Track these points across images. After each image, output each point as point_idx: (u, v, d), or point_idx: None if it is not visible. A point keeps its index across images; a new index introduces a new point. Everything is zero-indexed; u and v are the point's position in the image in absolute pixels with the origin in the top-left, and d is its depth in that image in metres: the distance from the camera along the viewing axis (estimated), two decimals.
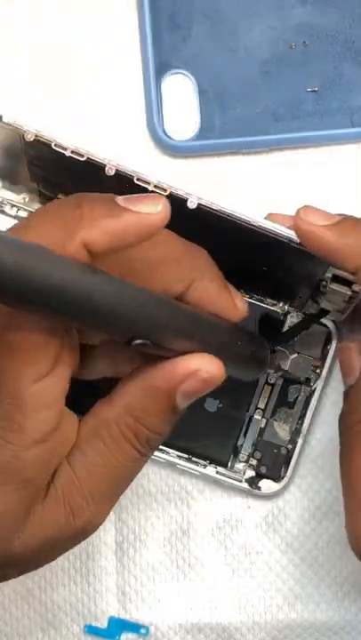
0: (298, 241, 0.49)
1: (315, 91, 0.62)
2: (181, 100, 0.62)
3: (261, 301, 0.59)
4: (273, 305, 0.59)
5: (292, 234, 0.49)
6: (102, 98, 0.62)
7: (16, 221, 0.58)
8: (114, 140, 0.62)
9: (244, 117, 0.62)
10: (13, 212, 0.59)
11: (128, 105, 0.62)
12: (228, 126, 0.62)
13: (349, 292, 0.52)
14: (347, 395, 0.52)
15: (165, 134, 0.61)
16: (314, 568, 0.60)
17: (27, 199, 0.59)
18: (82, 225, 0.39)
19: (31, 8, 0.63)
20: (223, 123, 0.62)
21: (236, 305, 0.46)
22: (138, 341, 0.39)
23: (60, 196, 0.56)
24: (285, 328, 0.59)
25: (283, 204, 0.60)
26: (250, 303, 0.59)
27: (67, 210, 0.40)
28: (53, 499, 0.42)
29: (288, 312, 0.59)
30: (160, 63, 0.62)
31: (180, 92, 0.62)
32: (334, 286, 0.52)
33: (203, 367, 0.42)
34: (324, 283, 0.52)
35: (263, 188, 0.62)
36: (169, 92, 0.62)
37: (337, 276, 0.51)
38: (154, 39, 0.61)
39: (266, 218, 0.51)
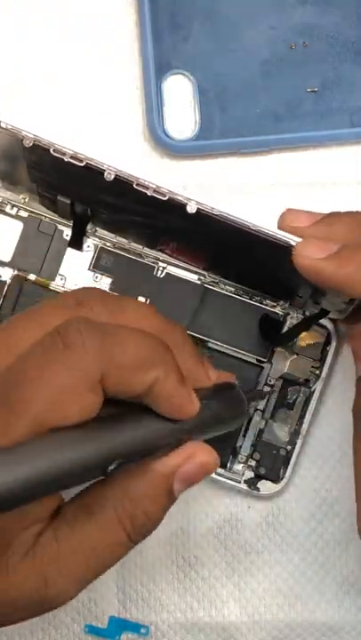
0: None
1: (315, 91, 0.62)
2: (181, 100, 0.62)
3: (261, 302, 0.59)
4: (273, 306, 0.59)
5: (291, 238, 0.49)
6: (102, 98, 0.62)
7: (16, 221, 0.59)
8: (114, 140, 0.62)
9: (244, 117, 0.62)
10: (14, 211, 0.59)
11: (128, 105, 0.62)
12: (228, 126, 0.62)
13: None
14: (358, 383, 0.53)
15: (165, 134, 0.61)
16: (314, 568, 0.60)
17: (27, 199, 0.59)
18: None
19: (31, 8, 0.63)
20: (223, 123, 0.62)
21: (209, 377, 0.47)
22: (113, 467, 0.41)
23: (59, 198, 0.56)
24: (285, 329, 0.59)
25: (283, 205, 0.61)
26: (250, 304, 0.59)
27: None
28: (29, 565, 0.42)
29: (288, 313, 0.59)
30: (160, 63, 0.61)
31: (180, 92, 0.62)
32: None
33: (199, 453, 0.44)
34: None
35: (263, 188, 0.62)
36: (169, 92, 0.62)
37: None
38: (154, 39, 0.61)
39: (284, 212, 0.51)
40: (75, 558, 0.42)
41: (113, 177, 0.49)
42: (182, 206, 0.50)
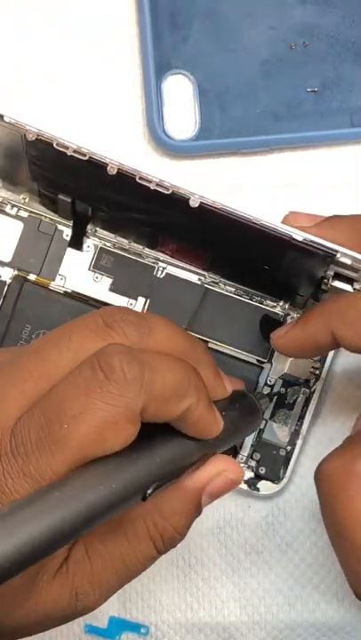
0: (300, 239, 0.49)
1: (315, 91, 0.62)
2: (181, 99, 0.62)
3: (261, 302, 0.59)
4: (273, 307, 0.59)
5: (293, 231, 0.49)
6: (102, 98, 0.62)
7: (16, 221, 0.59)
8: (114, 140, 0.62)
9: (244, 117, 0.62)
10: (14, 211, 0.59)
11: (128, 105, 0.63)
12: (228, 126, 0.62)
13: (351, 290, 0.52)
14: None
15: (165, 134, 0.61)
16: (314, 568, 0.60)
17: (27, 199, 0.59)
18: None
19: (31, 8, 0.63)
20: (223, 123, 0.62)
21: (226, 389, 0.48)
22: (150, 491, 0.42)
23: (60, 197, 0.56)
24: None
25: (283, 205, 0.61)
26: (250, 305, 0.59)
27: None
28: (62, 581, 0.42)
29: (288, 313, 0.59)
30: (160, 63, 0.61)
31: (180, 92, 0.62)
32: (336, 284, 0.52)
33: (227, 468, 0.46)
34: (325, 280, 0.52)
35: (263, 188, 0.62)
36: (169, 92, 0.62)
37: (339, 274, 0.51)
38: (154, 39, 0.61)
39: (287, 215, 0.52)
40: (105, 573, 0.43)
41: (116, 171, 0.49)
42: (185, 200, 0.50)
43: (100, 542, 0.43)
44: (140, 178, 0.49)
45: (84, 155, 0.49)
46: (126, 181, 0.50)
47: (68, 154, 0.49)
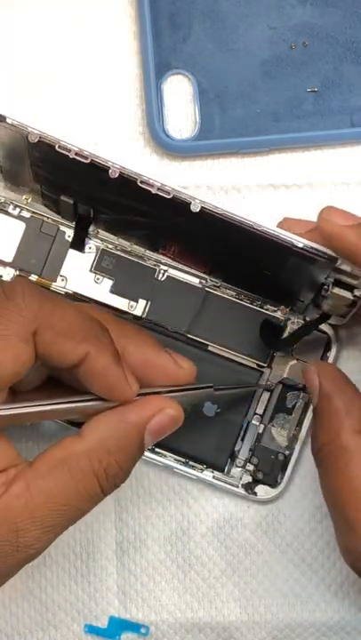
0: (300, 245, 0.49)
1: (315, 91, 0.62)
2: (181, 99, 0.62)
3: (262, 307, 0.59)
4: (274, 311, 0.59)
5: (294, 238, 0.49)
6: (102, 98, 0.62)
7: (19, 222, 0.59)
8: (114, 140, 0.62)
9: (244, 117, 0.61)
10: (16, 212, 0.59)
11: (128, 105, 0.62)
12: (228, 126, 0.62)
13: (351, 297, 0.52)
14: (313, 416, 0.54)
15: (165, 134, 0.61)
16: (314, 568, 0.60)
17: (29, 200, 0.59)
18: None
19: (31, 8, 0.62)
20: (223, 123, 0.62)
21: (179, 365, 0.50)
22: None
23: (62, 198, 0.56)
24: (286, 334, 0.59)
25: (283, 205, 0.61)
26: (251, 309, 0.59)
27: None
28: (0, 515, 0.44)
29: (288, 318, 0.59)
30: (160, 63, 0.61)
31: (180, 92, 0.62)
32: (336, 291, 0.52)
33: (168, 405, 0.47)
34: (326, 287, 0.52)
35: (263, 188, 0.62)
36: (169, 92, 0.62)
37: (339, 281, 0.52)
38: (154, 39, 0.61)
39: (281, 221, 0.52)
40: (47, 509, 0.44)
41: (117, 174, 0.49)
42: (186, 205, 0.50)
43: (41, 479, 0.44)
44: (142, 182, 0.49)
45: (86, 158, 0.50)
46: (128, 184, 0.50)
47: (70, 157, 0.49)
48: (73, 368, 0.46)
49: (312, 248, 0.49)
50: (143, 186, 0.50)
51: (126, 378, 0.46)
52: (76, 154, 0.50)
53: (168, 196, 0.49)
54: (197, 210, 0.49)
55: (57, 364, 0.46)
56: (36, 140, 0.50)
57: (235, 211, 0.49)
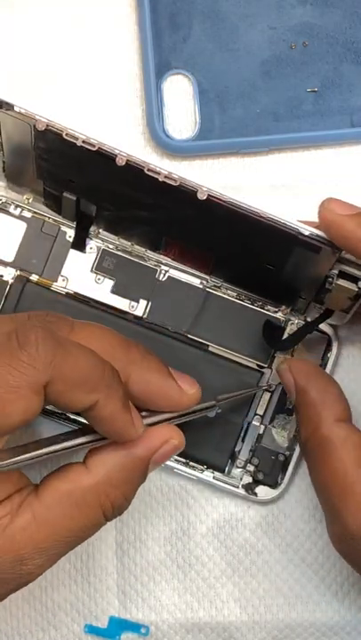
0: (306, 233, 0.49)
1: (315, 91, 0.62)
2: (181, 99, 0.62)
3: (263, 307, 0.59)
4: (275, 312, 0.59)
5: (300, 225, 0.49)
6: (102, 98, 0.62)
7: (20, 222, 0.59)
8: (114, 140, 0.62)
9: (244, 117, 0.62)
10: (17, 212, 0.59)
11: (128, 105, 0.62)
12: (228, 126, 0.62)
13: (356, 289, 0.52)
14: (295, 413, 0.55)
15: (165, 134, 0.61)
16: (314, 568, 0.60)
17: (30, 200, 0.59)
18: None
19: (31, 8, 0.62)
20: (223, 123, 0.62)
21: (182, 390, 0.50)
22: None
23: (65, 194, 0.56)
24: (286, 335, 0.59)
25: (283, 205, 0.61)
26: (252, 310, 0.59)
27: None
28: (6, 545, 0.44)
29: (289, 319, 0.59)
30: (160, 63, 0.61)
31: (180, 92, 0.62)
32: (341, 282, 0.52)
33: (172, 436, 0.48)
34: (330, 279, 0.52)
35: (263, 188, 0.62)
36: (169, 92, 0.62)
37: (344, 273, 0.51)
38: (154, 39, 0.61)
39: (323, 202, 0.52)
40: (53, 540, 0.45)
41: (125, 162, 0.49)
42: (192, 193, 0.49)
43: (47, 510, 0.45)
44: (149, 169, 0.49)
45: (94, 145, 0.49)
46: (134, 173, 0.49)
47: (78, 144, 0.49)
48: (81, 412, 0.46)
49: (318, 236, 0.49)
50: (150, 173, 0.49)
51: (133, 422, 0.47)
52: (84, 141, 0.50)
53: (175, 184, 0.49)
54: (204, 198, 0.49)
55: (64, 410, 0.46)
56: (43, 128, 0.50)
57: (240, 198, 0.49)
